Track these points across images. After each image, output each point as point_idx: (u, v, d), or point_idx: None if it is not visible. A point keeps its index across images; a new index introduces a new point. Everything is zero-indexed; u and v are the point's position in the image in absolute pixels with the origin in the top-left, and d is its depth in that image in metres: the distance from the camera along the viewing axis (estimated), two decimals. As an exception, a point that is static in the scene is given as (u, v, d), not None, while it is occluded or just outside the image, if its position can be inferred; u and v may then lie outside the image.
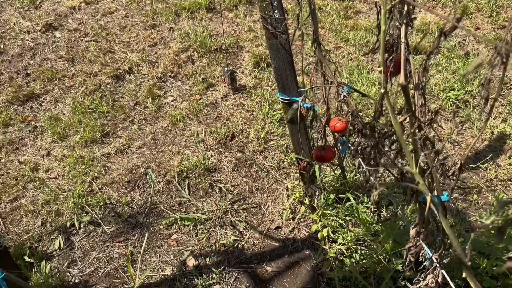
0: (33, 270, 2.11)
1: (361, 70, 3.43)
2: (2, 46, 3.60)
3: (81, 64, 3.47)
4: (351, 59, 3.60)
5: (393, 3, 1.06)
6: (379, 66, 1.08)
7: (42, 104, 3.22)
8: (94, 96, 3.25)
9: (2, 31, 3.82)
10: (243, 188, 2.60)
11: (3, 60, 3.50)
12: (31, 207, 2.48)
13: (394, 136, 1.22)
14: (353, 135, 1.63)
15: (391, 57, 1.18)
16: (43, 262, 2.15)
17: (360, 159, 1.61)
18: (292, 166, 2.69)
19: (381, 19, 0.99)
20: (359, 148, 1.55)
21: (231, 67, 3.35)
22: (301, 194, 2.40)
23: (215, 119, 3.13)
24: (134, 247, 2.29)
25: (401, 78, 1.04)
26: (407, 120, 1.16)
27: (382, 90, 1.06)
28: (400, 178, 1.19)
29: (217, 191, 2.58)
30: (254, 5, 4.27)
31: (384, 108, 1.45)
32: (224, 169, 2.73)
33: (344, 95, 1.49)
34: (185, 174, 2.66)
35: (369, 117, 2.61)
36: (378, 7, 1.22)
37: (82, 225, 2.39)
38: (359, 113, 1.59)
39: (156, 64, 3.57)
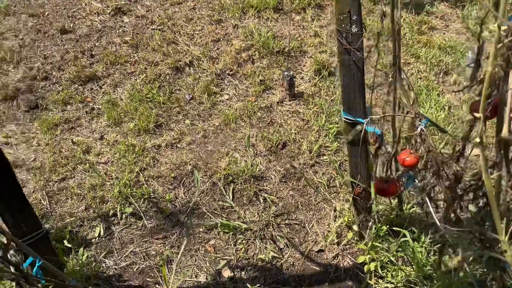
0: (70, 256, 2.12)
1: (431, 91, 3.20)
2: (72, 25, 3.69)
3: (144, 51, 3.49)
4: (420, 78, 3.37)
5: (505, 41, 0.90)
6: (456, 94, 0.93)
7: (102, 86, 3.27)
8: (152, 85, 3.25)
9: (74, 10, 3.92)
10: (288, 202, 2.49)
11: (71, 39, 3.59)
12: (78, 190, 2.50)
13: (481, 191, 1.06)
14: (424, 171, 1.47)
15: (489, 100, 1.02)
16: (81, 249, 2.15)
17: (427, 200, 1.44)
18: (343, 186, 2.54)
19: (489, 61, 0.84)
20: (429, 188, 1.39)
21: (291, 72, 3.24)
22: (350, 219, 2.26)
23: (268, 124, 3.04)
24: (171, 247, 2.25)
25: (504, 130, 0.89)
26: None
27: (478, 140, 0.90)
28: (480, 238, 1.03)
29: (261, 201, 2.49)
30: (323, 9, 4.11)
31: (467, 150, 1.28)
32: (271, 178, 2.62)
33: (421, 129, 1.34)
34: (231, 178, 2.59)
35: (439, 149, 2.41)
36: (480, 42, 1.06)
37: (124, 216, 2.38)
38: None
39: (217, 60, 3.52)
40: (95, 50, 3.50)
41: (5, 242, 1.35)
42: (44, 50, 3.46)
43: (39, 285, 1.51)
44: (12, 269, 1.40)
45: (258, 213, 2.41)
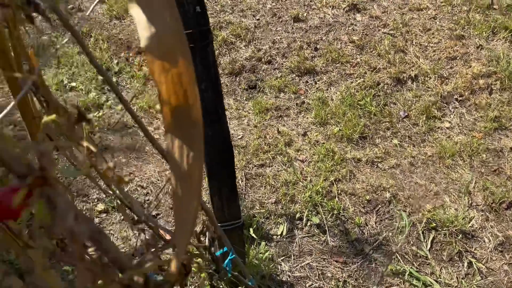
0: (252, 246, 2.13)
1: None
2: (305, 15, 3.72)
3: (368, 54, 3.29)
4: None
5: None
6: None
7: (317, 82, 3.22)
8: (367, 92, 3.05)
9: (310, -1, 3.95)
10: (499, 278, 2.02)
11: (301, 28, 3.63)
12: (272, 181, 2.51)
13: None
14: None
15: None
16: (263, 244, 2.14)
17: None
18: None
19: None
20: None
21: (542, 118, 2.61)
22: None
23: (493, 172, 2.52)
24: (348, 276, 2.07)
25: None
26: None
27: None
28: None
29: (465, 264, 2.08)
30: None
31: None
32: (484, 241, 2.17)
33: None
34: (434, 224, 2.23)
35: None
36: None
37: (308, 223, 2.29)
38: None
39: (446, 80, 3.09)
40: (320, 44, 3.46)
41: (213, 232, 1.37)
42: (274, 34, 3.58)
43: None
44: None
45: (457, 278, 2.02)
